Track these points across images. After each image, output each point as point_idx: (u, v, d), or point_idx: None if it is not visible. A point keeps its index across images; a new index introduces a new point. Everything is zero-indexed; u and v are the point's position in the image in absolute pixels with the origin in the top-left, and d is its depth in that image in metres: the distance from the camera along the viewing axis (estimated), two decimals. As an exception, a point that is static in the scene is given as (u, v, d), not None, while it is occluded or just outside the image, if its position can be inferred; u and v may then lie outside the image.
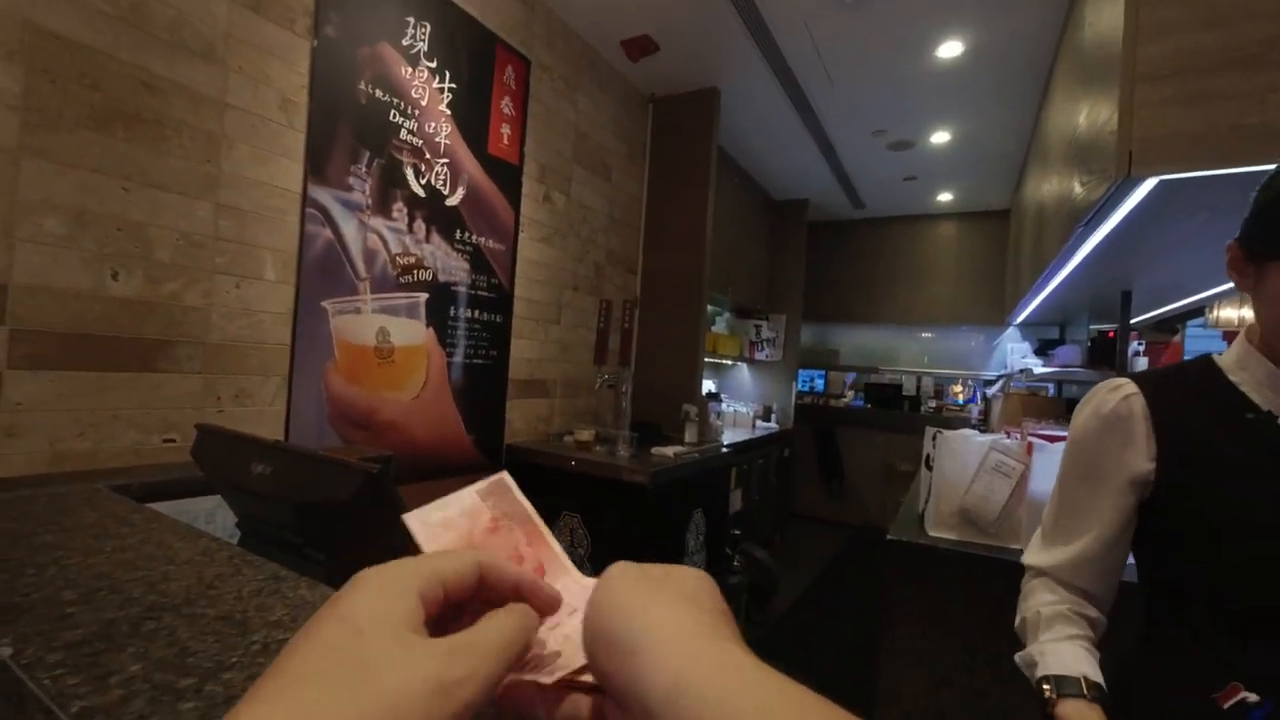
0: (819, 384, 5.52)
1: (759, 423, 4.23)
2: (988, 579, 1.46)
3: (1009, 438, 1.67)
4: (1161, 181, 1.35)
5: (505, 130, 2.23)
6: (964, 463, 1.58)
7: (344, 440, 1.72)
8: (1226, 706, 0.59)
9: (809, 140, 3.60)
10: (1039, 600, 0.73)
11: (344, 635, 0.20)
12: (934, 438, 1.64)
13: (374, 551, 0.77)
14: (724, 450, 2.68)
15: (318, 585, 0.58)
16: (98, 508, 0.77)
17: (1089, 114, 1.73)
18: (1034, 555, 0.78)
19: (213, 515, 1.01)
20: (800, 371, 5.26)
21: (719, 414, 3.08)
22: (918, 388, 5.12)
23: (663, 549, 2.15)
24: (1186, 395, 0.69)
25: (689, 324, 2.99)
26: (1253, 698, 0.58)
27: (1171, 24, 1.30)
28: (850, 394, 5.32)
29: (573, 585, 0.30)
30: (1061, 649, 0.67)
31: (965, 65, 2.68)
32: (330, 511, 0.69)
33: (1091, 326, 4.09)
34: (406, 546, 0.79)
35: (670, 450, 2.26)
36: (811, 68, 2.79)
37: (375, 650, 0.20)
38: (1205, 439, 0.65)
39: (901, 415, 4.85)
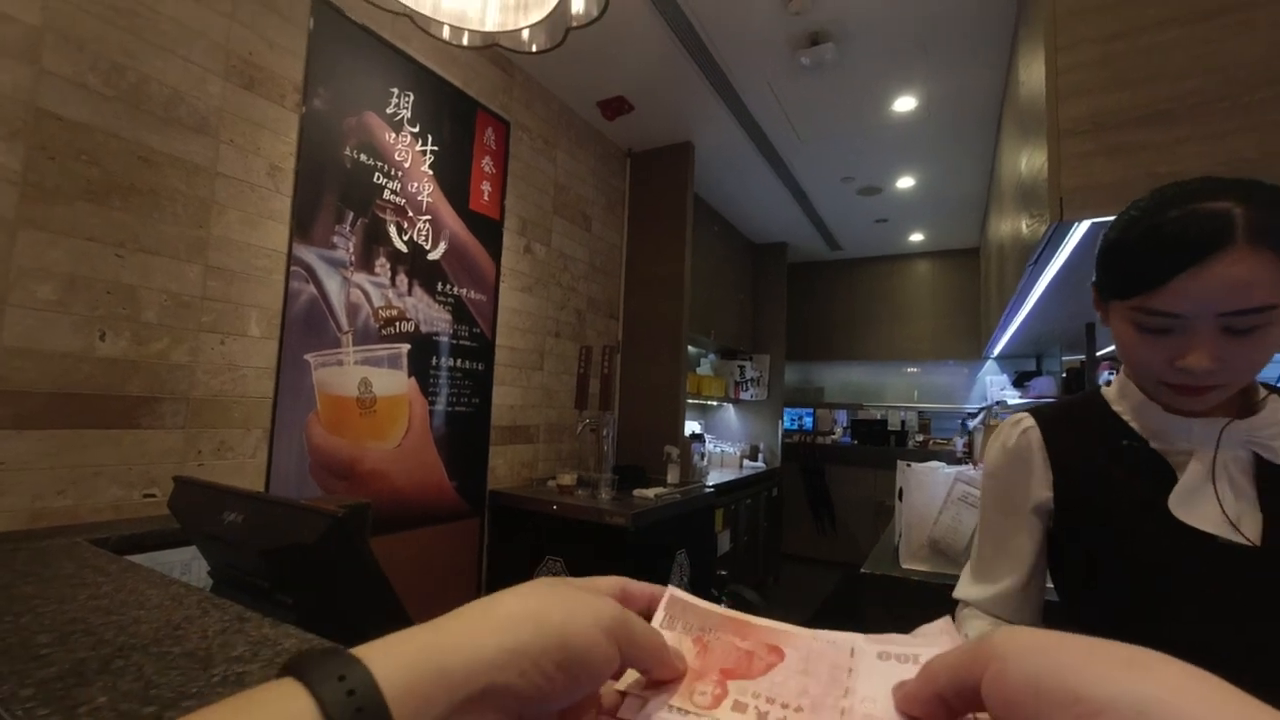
0: (807, 422, 5.57)
1: (746, 462, 4.25)
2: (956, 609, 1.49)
3: (976, 469, 1.72)
4: (1093, 224, 1.46)
5: (486, 187, 2.34)
6: (931, 495, 1.62)
7: (325, 491, 1.75)
8: None
9: (782, 188, 3.77)
10: (969, 631, 0.76)
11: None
12: (903, 471, 1.69)
13: (342, 594, 0.81)
14: (708, 490, 2.70)
15: (280, 624, 0.61)
16: (76, 559, 0.80)
17: (1028, 162, 1.86)
18: (963, 589, 0.81)
19: (189, 566, 1.03)
20: (788, 410, 5.32)
21: (703, 454, 3.11)
22: (902, 423, 5.17)
23: (646, 592, 2.15)
24: (1076, 426, 0.73)
25: (670, 367, 3.06)
26: None
27: (1085, 86, 1.43)
28: (839, 431, 5.36)
29: (812, 642, 0.31)
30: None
31: (920, 117, 2.85)
32: (297, 556, 0.73)
33: (1064, 357, 4.19)
34: (373, 586, 0.82)
35: (651, 492, 2.29)
36: (778, 123, 2.96)
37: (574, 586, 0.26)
38: (1091, 466, 0.70)
39: (889, 451, 4.88)
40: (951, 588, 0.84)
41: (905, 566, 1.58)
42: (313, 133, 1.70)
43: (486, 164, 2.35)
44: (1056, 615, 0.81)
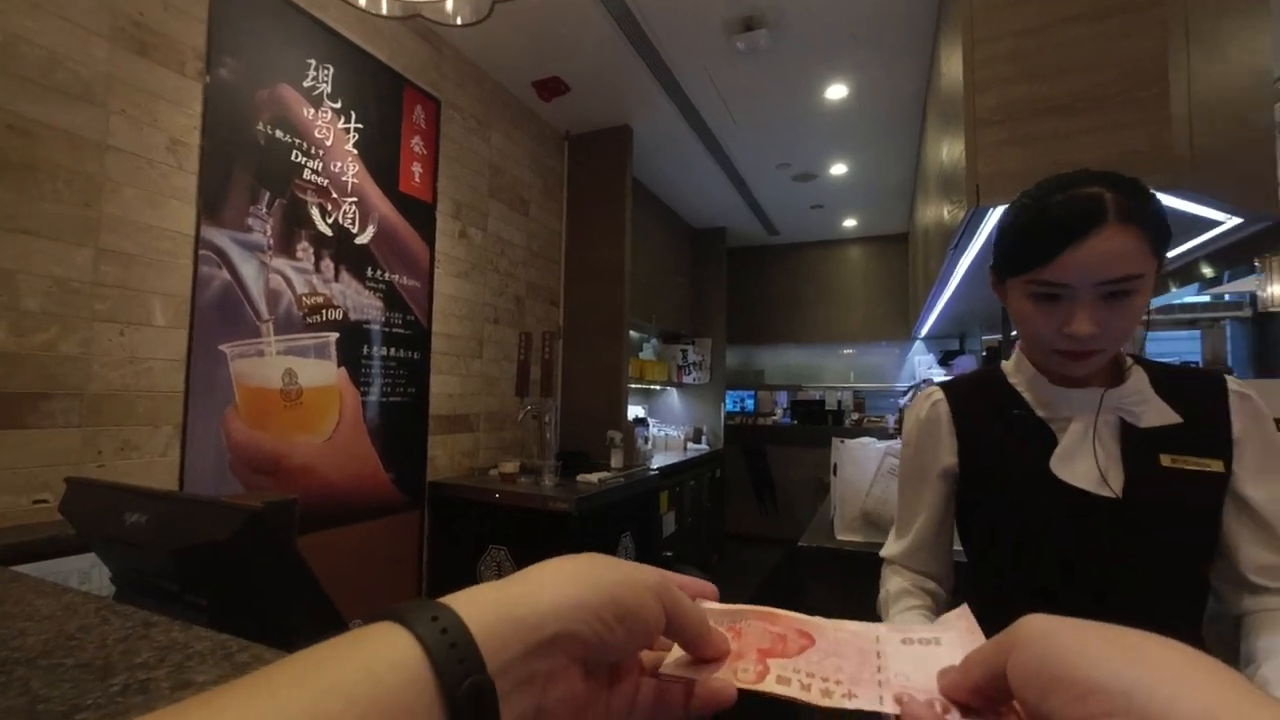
0: (749, 404, 5.71)
1: (690, 445, 4.32)
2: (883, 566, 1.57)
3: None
4: (1007, 206, 1.55)
5: (417, 169, 2.25)
6: (862, 469, 1.69)
7: (248, 488, 1.65)
8: None
9: (720, 173, 3.81)
10: (889, 584, 0.85)
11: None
12: (837, 447, 1.76)
13: (263, 592, 0.77)
14: (651, 474, 2.73)
15: (191, 627, 0.57)
16: (-52, 573, 0.72)
17: (949, 150, 1.95)
18: (887, 548, 0.89)
19: (87, 574, 0.95)
20: (730, 393, 5.43)
21: (647, 438, 3.13)
22: (839, 403, 5.39)
23: (592, 576, 2.16)
24: (978, 398, 0.81)
25: (612, 352, 3.06)
26: None
27: (999, 78, 1.51)
28: (780, 412, 5.53)
29: (837, 632, 0.32)
30: (904, 617, 0.77)
31: (852, 105, 2.94)
32: (210, 555, 0.69)
33: (984, 336, 4.48)
34: (297, 583, 0.78)
35: (595, 476, 2.29)
36: (715, 108, 2.98)
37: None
38: (989, 435, 0.78)
39: (827, 430, 5.08)
40: (881, 557, 0.92)
41: (840, 538, 1.65)
42: (220, 105, 1.58)
43: (417, 144, 2.25)
44: (965, 576, 0.88)
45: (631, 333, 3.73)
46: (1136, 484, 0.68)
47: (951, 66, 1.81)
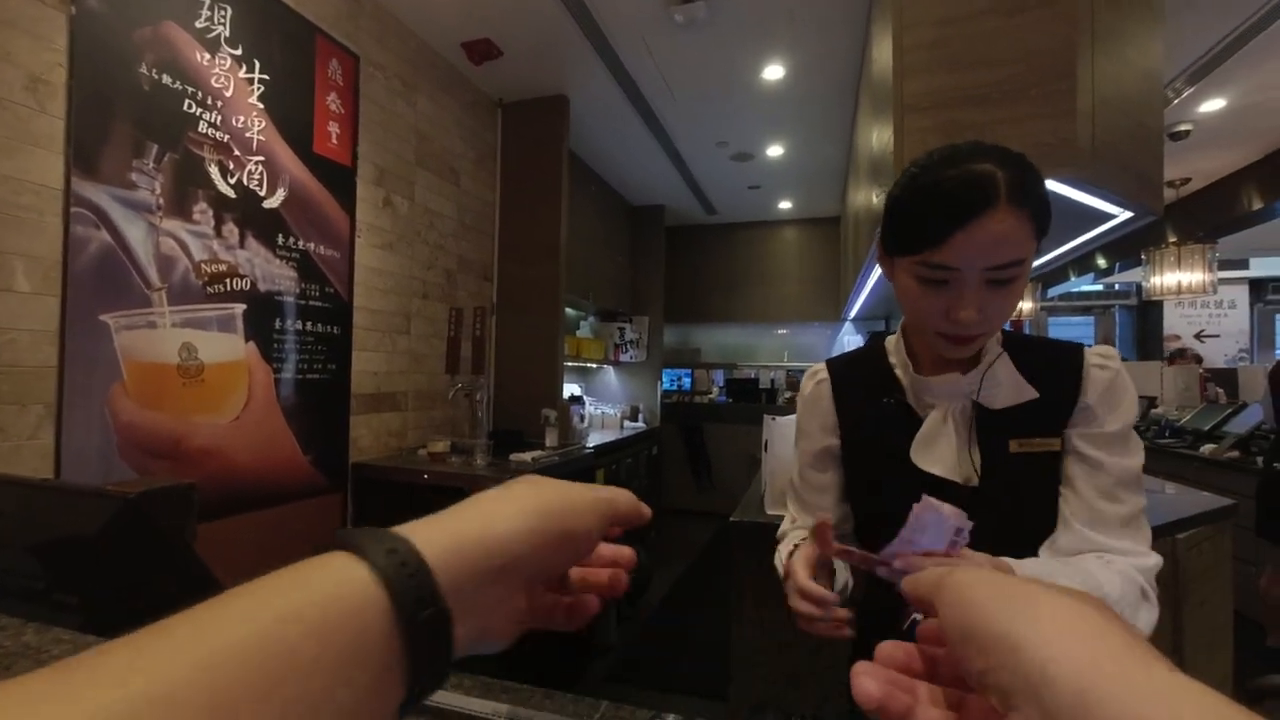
0: (685, 382, 5.78)
1: (627, 423, 4.33)
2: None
3: (829, 418, 1.87)
4: (899, 177, 1.61)
5: (334, 129, 2.08)
6: (792, 445, 1.74)
7: (141, 473, 1.50)
8: (905, 627, 0.70)
9: (659, 150, 3.77)
10: (777, 553, 0.83)
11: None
12: (768, 424, 1.80)
13: (146, 588, 0.69)
14: (587, 451, 2.71)
15: (49, 629, 0.50)
16: None
17: (878, 136, 2.00)
18: (784, 528, 0.88)
19: (-68, 574, 0.83)
20: (666, 371, 5.47)
21: (583, 416, 3.11)
22: (772, 381, 5.55)
23: (526, 556, 2.13)
24: (857, 377, 0.81)
25: (547, 329, 2.99)
26: (919, 616, 0.70)
27: (924, 65, 1.55)
28: (716, 390, 5.63)
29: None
30: (784, 549, 0.77)
31: (789, 86, 2.97)
32: (79, 549, 0.61)
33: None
34: (187, 577, 0.71)
35: (529, 455, 2.25)
36: (653, 80, 2.93)
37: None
38: (862, 415, 0.79)
39: (761, 408, 5.22)
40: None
41: (770, 512, 1.70)
42: (89, 41, 1.38)
43: (333, 102, 2.08)
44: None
45: (568, 310, 3.67)
46: (990, 471, 0.69)
47: (882, 52, 1.85)
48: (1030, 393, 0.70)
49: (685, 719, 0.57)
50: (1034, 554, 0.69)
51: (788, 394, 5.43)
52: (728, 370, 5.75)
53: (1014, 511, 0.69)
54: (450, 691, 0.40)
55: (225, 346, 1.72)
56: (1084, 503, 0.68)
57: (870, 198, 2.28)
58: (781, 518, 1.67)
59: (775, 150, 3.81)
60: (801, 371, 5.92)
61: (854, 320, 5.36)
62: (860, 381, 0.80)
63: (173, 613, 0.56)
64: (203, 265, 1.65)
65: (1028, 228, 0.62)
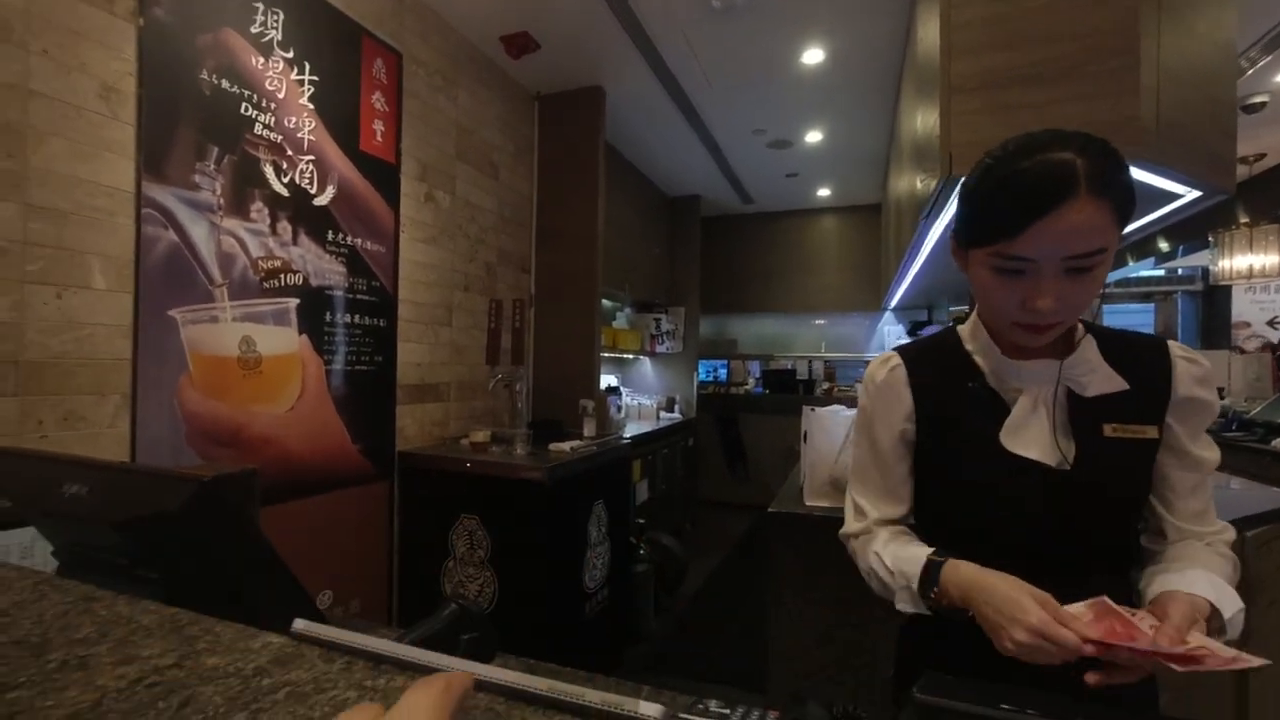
0: (721, 373, 5.75)
1: (663, 414, 4.34)
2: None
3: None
4: (972, 168, 1.55)
5: (379, 126, 2.14)
6: (832, 436, 1.72)
7: (206, 459, 1.59)
8: (971, 616, 0.69)
9: (695, 139, 3.74)
10: (869, 549, 0.79)
11: None
12: (807, 415, 1.77)
13: (219, 566, 0.74)
14: (624, 442, 2.74)
15: (138, 600, 0.55)
16: None
17: (923, 119, 1.94)
18: (848, 526, 0.85)
19: (29, 549, 0.90)
20: (702, 362, 5.45)
21: (620, 407, 3.13)
22: (810, 372, 5.47)
23: (563, 542, 2.17)
24: (934, 363, 0.80)
25: (584, 320, 3.02)
26: None
27: (975, 45, 1.49)
28: (752, 381, 5.58)
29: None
30: (903, 553, 0.74)
31: (828, 71, 2.90)
32: (159, 528, 0.65)
33: (951, 308, 4.57)
34: (256, 556, 0.75)
35: (567, 445, 2.28)
36: (690, 70, 2.90)
37: None
38: (942, 401, 0.77)
39: (798, 399, 5.15)
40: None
41: (809, 504, 1.68)
42: (157, 49, 1.46)
43: (378, 100, 2.14)
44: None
45: (604, 301, 3.69)
46: (1085, 454, 0.70)
47: (928, 32, 1.79)
48: (1120, 383, 0.71)
49: (727, 703, 0.58)
50: (1116, 534, 0.73)
51: (825, 385, 5.35)
52: (764, 361, 5.69)
53: (1105, 495, 0.70)
54: (495, 667, 0.42)
55: (281, 339, 1.80)
56: (1185, 496, 0.72)
57: (914, 183, 2.22)
58: (820, 509, 1.65)
59: (814, 136, 3.73)
60: (839, 362, 5.82)
61: (895, 310, 5.22)
62: (936, 367, 0.79)
63: (245, 589, 0.60)
64: (259, 261, 1.73)
65: (1109, 217, 0.61)
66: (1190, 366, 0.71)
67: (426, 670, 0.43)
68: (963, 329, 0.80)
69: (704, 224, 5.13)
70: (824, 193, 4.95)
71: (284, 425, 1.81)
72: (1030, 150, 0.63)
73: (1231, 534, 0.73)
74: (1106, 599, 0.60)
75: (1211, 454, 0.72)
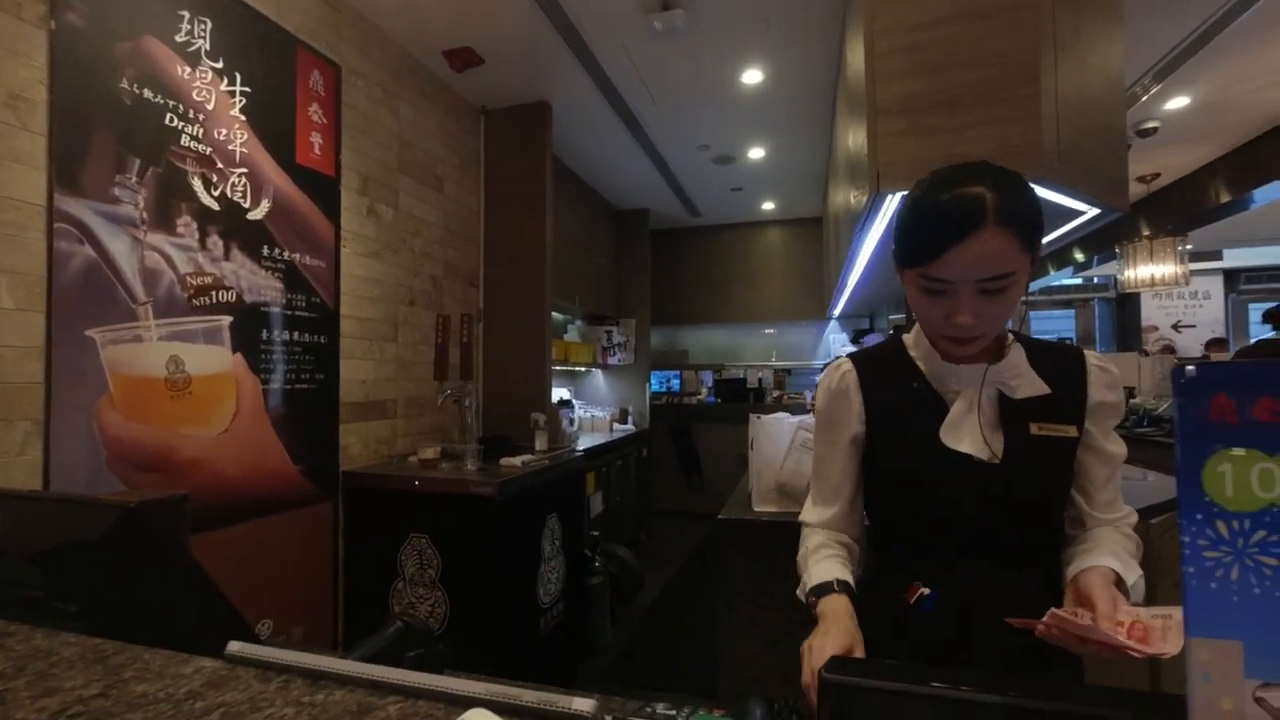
0: (675, 384, 5.81)
1: (616, 425, 4.36)
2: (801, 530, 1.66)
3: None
4: (904, 196, 1.65)
5: (316, 139, 2.09)
6: (777, 443, 1.77)
7: (129, 485, 1.50)
8: (911, 601, 0.77)
9: (641, 154, 3.80)
10: (808, 542, 0.90)
11: None
12: (754, 423, 1.82)
13: (148, 595, 0.71)
14: (577, 455, 2.74)
15: (57, 633, 0.52)
16: None
17: (854, 138, 2.05)
18: (805, 513, 0.94)
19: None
20: (655, 373, 5.50)
21: (573, 420, 3.13)
22: (760, 381, 5.60)
23: (516, 557, 2.15)
24: (882, 369, 0.88)
25: (534, 333, 3.01)
26: (926, 590, 0.77)
27: (897, 71, 1.59)
28: (705, 391, 5.67)
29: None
30: (821, 566, 0.83)
31: (768, 90, 3.02)
32: (80, 558, 0.63)
33: (891, 316, 4.78)
34: (188, 584, 0.73)
35: (519, 460, 2.26)
36: (635, 86, 2.96)
37: None
38: (889, 400, 0.85)
39: (749, 407, 5.26)
40: (797, 525, 0.97)
41: (757, 509, 1.73)
42: (70, 57, 1.39)
43: (315, 112, 2.09)
44: (869, 534, 0.95)
45: (555, 314, 3.69)
46: (1012, 449, 0.78)
47: (856, 57, 1.90)
48: (1044, 387, 0.79)
49: (674, 705, 0.60)
50: (1041, 523, 0.81)
51: (775, 393, 5.49)
52: (716, 371, 5.80)
53: (1030, 485, 0.78)
54: (435, 675, 0.43)
55: (212, 358, 1.72)
56: (1100, 488, 0.81)
57: (849, 198, 2.33)
58: (768, 514, 1.70)
59: (757, 152, 3.86)
60: (788, 370, 6.00)
61: (839, 319, 5.43)
62: (884, 371, 0.87)
63: (177, 617, 0.58)
64: (188, 278, 1.65)
65: (1015, 244, 0.70)
66: (1101, 374, 0.81)
67: (369, 685, 0.44)
68: (907, 337, 0.88)
69: (653, 236, 5.20)
70: (768, 206, 5.11)
71: (217, 447, 1.73)
72: (949, 184, 0.72)
73: (1134, 518, 0.82)
74: (1055, 611, 0.64)
75: (1119, 449, 0.81)
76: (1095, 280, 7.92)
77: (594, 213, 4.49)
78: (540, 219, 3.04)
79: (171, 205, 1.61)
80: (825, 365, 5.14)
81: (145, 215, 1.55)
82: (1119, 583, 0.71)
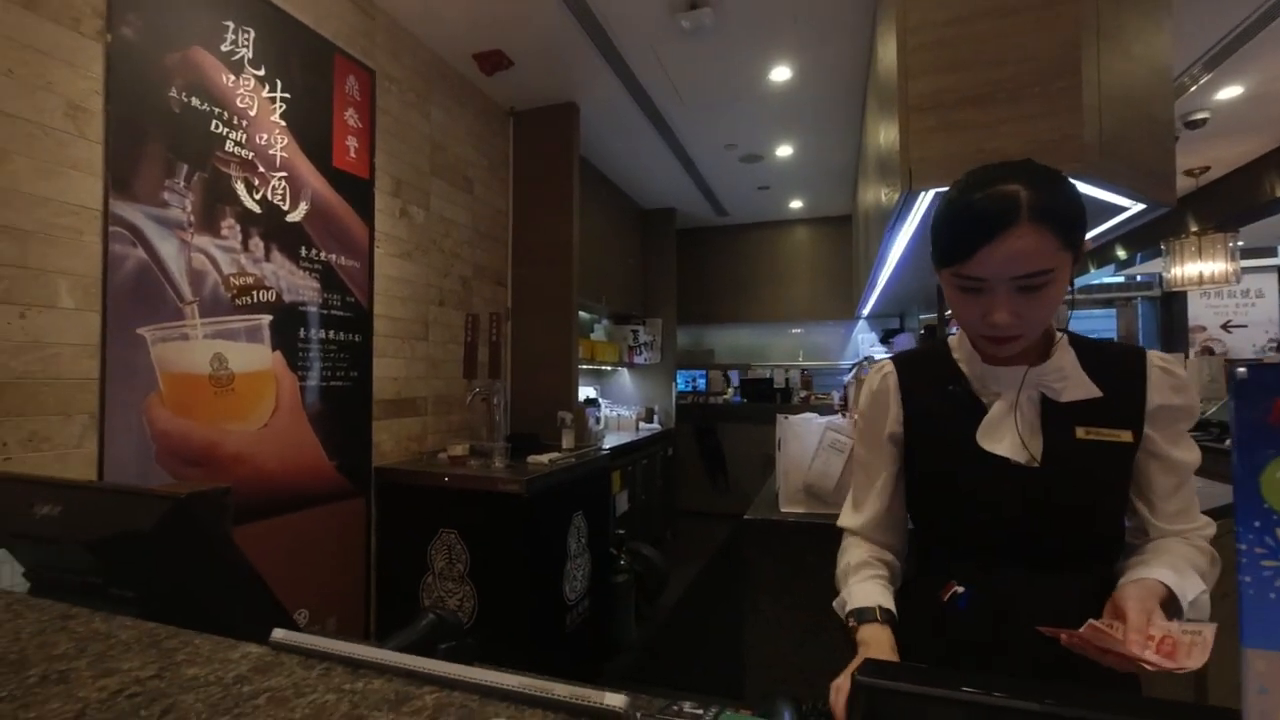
0: (700, 383, 5.80)
1: (642, 424, 4.37)
2: (828, 544, 1.64)
3: (843, 418, 1.88)
4: (936, 193, 1.62)
5: (352, 142, 2.15)
6: (805, 443, 1.75)
7: (176, 478, 1.57)
8: (945, 599, 0.76)
9: (668, 153, 3.80)
10: (849, 555, 0.88)
11: None
12: (781, 423, 1.81)
13: (196, 583, 0.74)
14: (603, 453, 2.75)
15: (114, 616, 0.55)
16: None
17: (885, 135, 2.02)
18: (844, 519, 0.93)
19: (-4, 572, 0.89)
20: (681, 372, 5.50)
21: (599, 419, 3.15)
22: (786, 381, 5.55)
23: (543, 554, 2.17)
24: (923, 371, 0.86)
25: (562, 333, 3.04)
26: (960, 589, 0.75)
27: (929, 66, 1.56)
28: (731, 391, 5.64)
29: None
30: (864, 587, 0.81)
31: (796, 88, 2.99)
32: (134, 546, 0.66)
33: (922, 315, 4.69)
34: (233, 573, 0.76)
35: (546, 457, 2.29)
36: (662, 86, 2.97)
37: None
38: (928, 403, 0.84)
39: (775, 407, 5.22)
40: (825, 526, 0.95)
41: (784, 510, 1.71)
42: (124, 68, 1.46)
43: (351, 117, 2.15)
44: (911, 536, 0.93)
45: (582, 314, 3.72)
46: (1053, 453, 0.74)
47: (887, 53, 1.87)
48: (1094, 390, 0.75)
49: (701, 704, 0.61)
50: (1088, 532, 0.76)
51: (802, 393, 5.43)
52: (742, 370, 5.76)
53: (1073, 490, 0.74)
54: (469, 666, 0.44)
55: (253, 356, 1.79)
56: (1166, 497, 0.76)
57: (879, 196, 2.29)
58: (795, 515, 1.69)
59: (785, 151, 3.83)
60: (817, 370, 5.93)
61: (868, 318, 5.34)
62: (925, 373, 0.85)
63: (224, 604, 0.61)
64: (231, 278, 1.72)
65: (1052, 242, 0.67)
66: (1164, 376, 0.76)
67: (405, 674, 0.45)
68: (952, 339, 0.87)
69: (679, 236, 5.20)
70: (796, 204, 5.06)
71: (257, 443, 1.79)
72: (983, 183, 0.70)
73: (1212, 529, 0.77)
74: (1092, 622, 0.61)
75: (1190, 455, 0.76)
76: (1139, 278, 7.62)
77: (621, 213, 4.50)
78: (568, 219, 3.07)
79: (216, 208, 1.68)
80: (853, 365, 5.07)
81: (192, 218, 1.61)
82: (1171, 598, 0.67)
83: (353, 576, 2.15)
